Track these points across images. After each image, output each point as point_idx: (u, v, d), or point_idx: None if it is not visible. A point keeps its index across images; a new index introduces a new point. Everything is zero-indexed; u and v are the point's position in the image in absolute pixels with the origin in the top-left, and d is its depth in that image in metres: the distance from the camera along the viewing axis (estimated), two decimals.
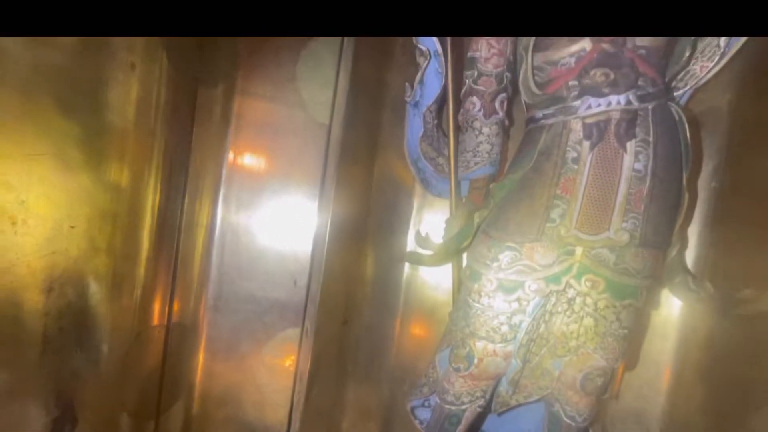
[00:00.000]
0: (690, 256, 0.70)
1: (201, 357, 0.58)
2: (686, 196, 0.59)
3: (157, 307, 0.54)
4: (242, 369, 0.59)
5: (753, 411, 0.58)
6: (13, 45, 0.37)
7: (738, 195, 0.67)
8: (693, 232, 0.70)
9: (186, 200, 0.53)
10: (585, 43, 0.55)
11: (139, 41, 0.44)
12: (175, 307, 0.54)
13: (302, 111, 0.54)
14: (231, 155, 0.55)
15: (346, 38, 0.50)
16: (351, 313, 0.72)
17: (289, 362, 0.58)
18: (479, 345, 0.62)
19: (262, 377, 0.59)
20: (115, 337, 0.48)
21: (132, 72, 0.43)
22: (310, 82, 0.53)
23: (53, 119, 0.39)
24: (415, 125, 0.66)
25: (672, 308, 0.73)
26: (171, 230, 0.53)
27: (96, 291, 0.44)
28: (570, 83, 0.55)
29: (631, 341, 0.63)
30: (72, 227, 0.40)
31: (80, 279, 0.43)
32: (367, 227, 0.70)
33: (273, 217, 0.58)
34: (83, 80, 0.42)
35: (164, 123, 0.48)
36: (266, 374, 0.59)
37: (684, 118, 0.57)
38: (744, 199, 0.66)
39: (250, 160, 0.54)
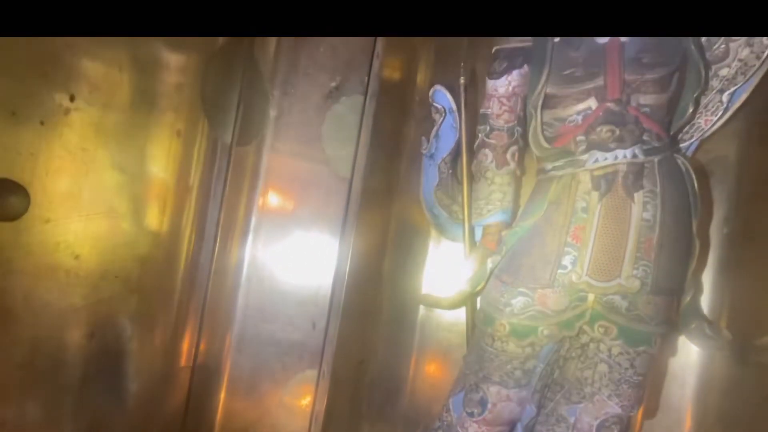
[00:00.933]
0: (706, 303, 0.70)
1: (222, 397, 0.60)
2: (697, 243, 0.60)
3: (185, 349, 0.57)
4: (261, 409, 0.60)
5: None
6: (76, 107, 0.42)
7: (749, 241, 0.68)
8: (707, 279, 0.71)
9: (217, 247, 0.57)
10: (591, 102, 0.58)
11: (183, 107, 0.49)
12: (202, 348, 0.57)
13: (326, 166, 0.58)
14: (259, 206, 0.59)
15: (367, 98, 0.55)
16: (367, 354, 0.73)
17: (306, 403, 0.60)
18: (493, 389, 0.62)
19: (279, 417, 0.60)
20: (144, 378, 0.50)
21: (177, 137, 0.48)
22: (334, 140, 0.58)
23: (108, 177, 0.44)
24: (430, 175, 0.69)
25: (690, 355, 0.73)
26: (202, 275, 0.56)
27: (131, 334, 0.47)
28: (578, 138, 0.58)
29: (647, 388, 0.63)
30: (116, 277, 0.44)
31: (118, 323, 0.47)
32: (383, 270, 0.72)
33: (295, 263, 0.61)
34: (134, 140, 0.47)
35: (201, 177, 0.53)
36: (284, 414, 0.60)
37: (690, 169, 0.59)
38: (756, 245, 0.67)
39: (276, 210, 0.58)
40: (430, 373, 0.81)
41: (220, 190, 0.55)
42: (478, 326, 0.68)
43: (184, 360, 0.56)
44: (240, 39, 0.53)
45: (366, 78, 0.56)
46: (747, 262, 0.68)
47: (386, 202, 0.70)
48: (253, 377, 0.60)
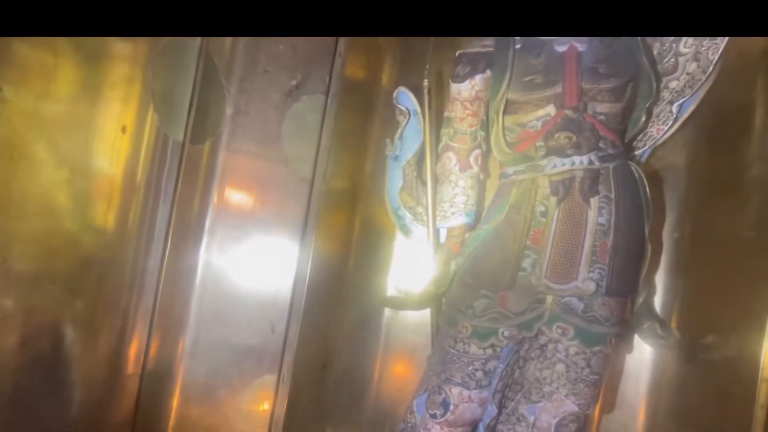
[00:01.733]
0: (657, 304, 0.73)
1: (175, 404, 0.57)
2: (649, 247, 0.63)
3: (132, 355, 0.54)
4: (217, 416, 0.58)
5: None
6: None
7: (697, 246, 0.71)
8: (659, 280, 0.74)
9: (168, 248, 0.55)
10: (550, 109, 0.60)
11: (131, 101, 0.47)
12: (152, 354, 0.55)
13: (286, 167, 0.57)
14: (215, 207, 0.57)
15: (329, 98, 0.55)
16: (330, 357, 0.72)
17: (265, 408, 0.59)
18: (455, 391, 0.63)
19: (237, 424, 0.58)
20: (88, 387, 0.47)
21: (123, 133, 0.46)
22: (294, 140, 0.56)
23: (44, 174, 0.41)
24: (395, 177, 0.69)
25: (643, 353, 0.76)
26: (151, 277, 0.54)
27: (72, 341, 0.45)
28: (537, 144, 0.60)
29: (602, 387, 0.65)
30: (54, 280, 0.42)
31: (56, 329, 0.44)
32: (347, 271, 0.72)
33: (253, 265, 0.60)
34: (75, 134, 0.44)
35: (150, 176, 0.51)
36: (241, 421, 0.59)
37: (643, 176, 0.62)
38: (703, 249, 0.71)
39: (233, 211, 0.57)
40: (396, 374, 0.81)
41: (171, 189, 0.53)
42: (441, 328, 0.68)
43: (131, 367, 0.53)
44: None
45: (327, 77, 0.55)
46: (695, 265, 0.72)
47: (350, 203, 0.70)
48: (208, 384, 0.58)
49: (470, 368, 0.63)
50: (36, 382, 0.42)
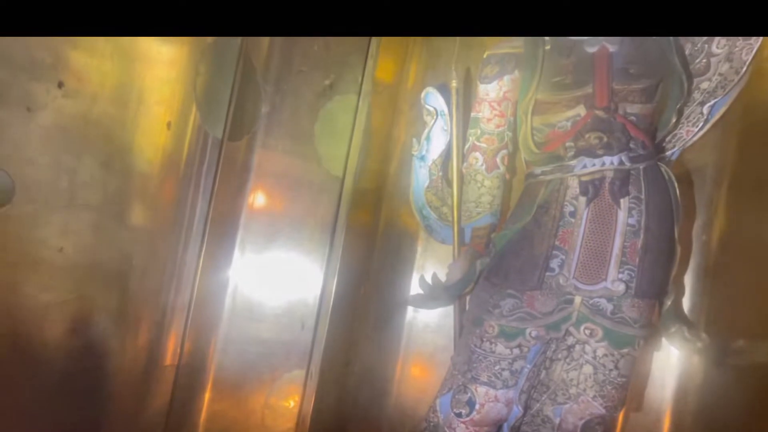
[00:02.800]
0: (685, 307, 0.72)
1: (207, 397, 0.58)
2: (678, 248, 0.62)
3: (170, 347, 0.55)
4: (246, 409, 0.59)
5: None
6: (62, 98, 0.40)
7: (726, 248, 0.70)
8: (688, 283, 0.73)
9: (205, 244, 0.56)
10: (580, 109, 0.60)
11: (174, 100, 0.48)
12: (187, 347, 0.56)
13: (317, 164, 0.58)
14: (249, 202, 0.58)
15: (361, 98, 0.56)
16: (353, 355, 0.73)
17: (291, 404, 0.59)
18: (481, 390, 0.63)
19: (265, 418, 0.59)
20: (127, 376, 0.49)
21: (167, 129, 0.47)
22: (326, 139, 0.57)
23: (92, 171, 0.43)
24: (421, 176, 0.70)
25: (670, 357, 0.75)
26: (189, 272, 0.55)
27: (114, 332, 0.46)
28: (567, 144, 0.60)
29: (629, 389, 0.64)
30: (100, 272, 0.43)
31: (101, 319, 0.45)
32: (371, 270, 0.72)
33: (285, 261, 0.61)
34: (122, 132, 0.46)
35: (191, 172, 0.52)
36: (270, 415, 0.59)
37: (673, 177, 0.61)
38: (732, 252, 0.70)
39: (267, 207, 0.58)
40: (417, 374, 0.81)
41: (209, 185, 0.54)
42: (466, 327, 0.68)
43: (169, 359, 0.54)
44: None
45: (360, 77, 0.56)
46: (724, 268, 0.70)
47: (376, 202, 0.70)
48: (239, 378, 0.59)
49: (497, 368, 0.62)
50: (82, 370, 0.44)
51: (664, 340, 0.69)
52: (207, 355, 0.58)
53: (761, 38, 0.59)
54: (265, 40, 0.56)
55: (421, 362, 0.81)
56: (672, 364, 0.75)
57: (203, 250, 0.55)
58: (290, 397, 0.59)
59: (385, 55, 0.66)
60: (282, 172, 0.58)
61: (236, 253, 0.59)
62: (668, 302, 0.65)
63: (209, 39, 0.50)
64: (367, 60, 0.56)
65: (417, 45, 0.76)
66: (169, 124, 0.48)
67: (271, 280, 0.59)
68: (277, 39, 0.56)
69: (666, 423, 0.76)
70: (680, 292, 0.69)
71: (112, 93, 0.45)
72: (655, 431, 0.76)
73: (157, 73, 0.49)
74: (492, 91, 0.66)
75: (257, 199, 0.58)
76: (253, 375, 0.59)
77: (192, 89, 0.50)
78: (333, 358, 0.63)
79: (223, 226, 0.58)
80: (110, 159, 0.46)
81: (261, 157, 0.58)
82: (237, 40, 0.52)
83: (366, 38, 0.56)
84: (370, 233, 0.70)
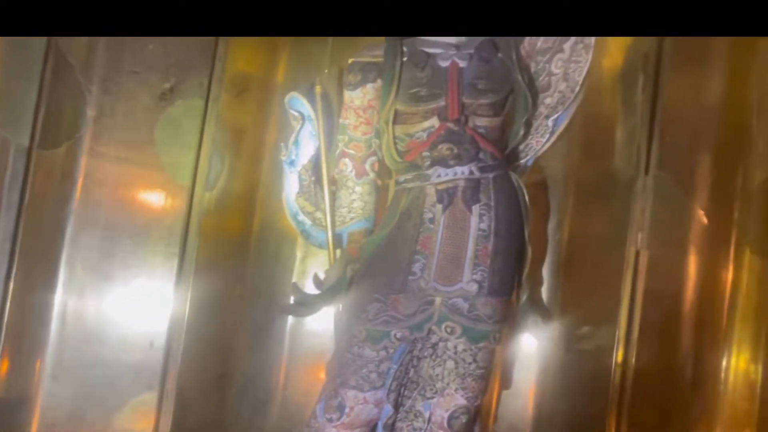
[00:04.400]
0: (544, 298, 0.81)
1: None
2: (529, 249, 0.69)
3: None
4: None
5: None
6: None
7: (575, 246, 0.79)
8: (546, 277, 0.81)
9: (16, 262, 0.49)
10: (434, 121, 0.63)
11: None
12: (1, 379, 0.49)
13: (160, 173, 0.54)
14: (76, 215, 0.52)
15: (209, 102, 0.53)
16: (229, 367, 0.71)
17: (145, 428, 0.56)
18: (350, 394, 0.64)
19: None
20: None
21: None
22: (170, 146, 0.54)
23: None
24: (291, 182, 0.69)
25: (531, 344, 0.83)
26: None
27: None
28: (423, 154, 0.63)
29: (490, 379, 0.70)
30: None
31: None
32: (246, 278, 0.70)
33: (127, 277, 0.56)
34: None
35: None
36: None
37: (522, 185, 0.67)
38: (580, 250, 0.79)
39: (100, 220, 0.53)
40: (303, 380, 0.81)
41: (15, 199, 0.48)
42: (337, 333, 0.70)
43: None
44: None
45: (206, 81, 0.53)
46: (573, 262, 0.79)
47: (248, 207, 0.68)
48: (74, 407, 0.54)
49: (364, 371, 0.64)
50: None
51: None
52: (30, 386, 0.52)
53: (590, 60, 0.66)
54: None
55: (306, 368, 0.81)
56: (533, 350, 0.83)
57: (14, 270, 0.49)
58: (141, 422, 0.55)
59: (248, 54, 0.63)
60: (117, 181, 0.53)
61: (63, 272, 0.53)
62: (524, 297, 0.72)
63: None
64: (215, 63, 0.53)
65: (287, 45, 0.75)
66: None
67: (111, 298, 0.54)
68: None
69: (530, 402, 0.84)
70: (537, 287, 0.76)
71: None
72: (522, 410, 0.84)
73: None
74: (357, 98, 0.67)
75: (87, 212, 0.53)
76: (94, 402, 0.54)
77: None
78: (199, 373, 0.60)
79: (40, 244, 0.52)
80: None
81: (89, 165, 0.52)
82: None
83: (212, 39, 0.53)
84: (242, 239, 0.68)
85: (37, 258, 0.51)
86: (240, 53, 0.59)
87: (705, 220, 0.61)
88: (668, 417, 0.65)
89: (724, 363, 0.60)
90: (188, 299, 0.54)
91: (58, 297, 0.52)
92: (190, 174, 0.52)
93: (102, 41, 0.51)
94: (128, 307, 0.53)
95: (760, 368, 0.56)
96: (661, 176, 0.63)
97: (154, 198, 0.53)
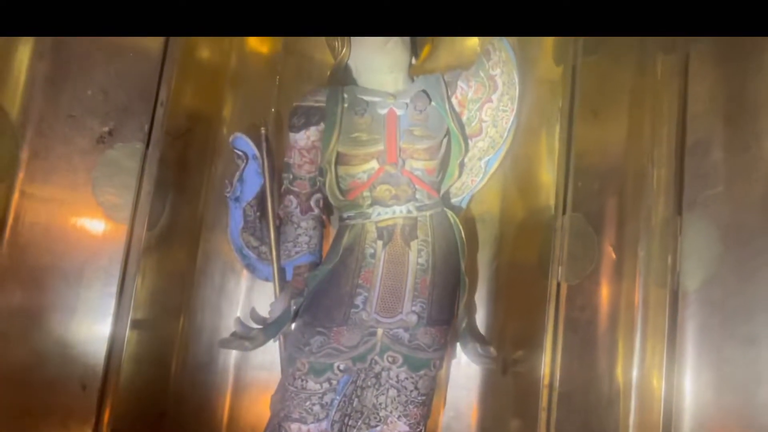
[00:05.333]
0: (481, 325, 0.86)
1: None
2: (466, 280, 0.73)
3: None
4: None
5: None
6: None
7: (510, 275, 0.85)
8: (481, 305, 0.87)
9: None
10: (374, 163, 0.67)
11: None
12: None
13: (97, 213, 0.53)
14: (4, 257, 0.50)
15: (150, 147, 0.54)
16: (170, 404, 0.69)
17: None
18: (293, 427, 0.65)
19: None
20: None
21: None
22: (108, 187, 0.53)
23: None
24: (236, 217, 0.71)
25: (471, 368, 0.87)
26: None
27: None
28: (364, 194, 0.67)
29: (431, 405, 0.73)
30: None
31: None
32: (189, 313, 0.70)
33: (58, 318, 0.53)
34: None
35: None
36: None
37: (458, 221, 0.72)
38: (514, 279, 0.85)
39: (29, 261, 0.51)
40: (248, 414, 0.80)
41: None
42: (282, 366, 0.71)
43: None
44: None
45: (147, 126, 0.54)
46: (508, 290, 0.85)
47: (191, 242, 0.68)
48: None
49: (308, 403, 0.66)
50: None
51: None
52: None
53: (516, 108, 0.73)
54: (20, 80, 0.50)
55: (252, 401, 0.81)
56: (473, 374, 0.88)
57: None
58: None
59: (197, 91, 0.64)
60: (50, 223, 0.52)
61: None
62: (462, 324, 0.76)
63: None
64: (156, 108, 0.54)
65: (232, 86, 0.77)
66: None
67: (37, 340, 0.52)
68: (37, 82, 0.50)
69: (473, 422, 0.88)
70: (472, 314, 0.81)
71: None
72: (466, 430, 0.88)
73: None
74: (300, 139, 0.70)
75: (14, 254, 0.51)
76: None
77: None
78: (134, 414, 0.59)
79: None
80: None
81: (20, 208, 0.51)
82: None
83: (154, 84, 0.55)
84: (183, 275, 0.68)
85: None
86: (185, 91, 0.60)
87: (614, 255, 0.68)
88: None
89: (634, 381, 0.67)
90: (125, 340, 0.53)
91: None
92: (129, 215, 0.52)
93: (39, 87, 0.50)
94: (57, 349, 0.51)
95: (663, 384, 0.63)
96: (576, 216, 0.70)
97: (90, 239, 0.52)
